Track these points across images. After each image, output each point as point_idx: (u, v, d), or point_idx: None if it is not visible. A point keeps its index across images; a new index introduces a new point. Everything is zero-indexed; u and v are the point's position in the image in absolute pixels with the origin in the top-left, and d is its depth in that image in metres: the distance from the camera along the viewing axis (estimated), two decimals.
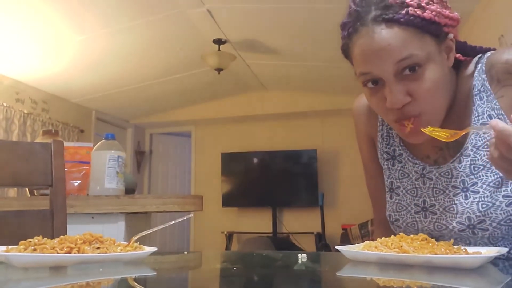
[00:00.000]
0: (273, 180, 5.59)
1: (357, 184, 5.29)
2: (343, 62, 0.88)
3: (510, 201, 0.77)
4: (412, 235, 0.72)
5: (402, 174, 0.91)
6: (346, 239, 4.75)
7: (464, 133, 0.68)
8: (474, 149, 0.81)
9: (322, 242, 4.95)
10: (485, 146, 0.80)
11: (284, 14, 3.37)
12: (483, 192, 0.79)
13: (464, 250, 0.68)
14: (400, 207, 0.90)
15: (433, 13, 0.74)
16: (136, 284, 0.63)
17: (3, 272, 0.67)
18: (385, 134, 0.94)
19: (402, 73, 0.74)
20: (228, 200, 5.70)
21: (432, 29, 0.74)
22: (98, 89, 4.77)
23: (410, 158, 0.90)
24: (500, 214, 0.78)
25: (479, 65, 0.82)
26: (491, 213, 0.78)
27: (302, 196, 5.49)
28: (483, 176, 0.80)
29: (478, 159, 0.81)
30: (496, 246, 0.80)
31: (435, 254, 0.65)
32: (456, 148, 0.84)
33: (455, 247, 0.68)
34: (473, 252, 0.69)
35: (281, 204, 5.61)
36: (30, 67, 4.00)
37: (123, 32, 3.54)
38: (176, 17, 3.39)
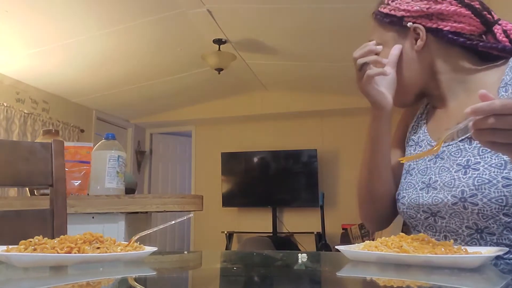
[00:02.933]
0: (273, 180, 5.59)
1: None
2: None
3: (508, 183, 0.79)
4: (412, 235, 0.72)
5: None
6: (346, 239, 4.75)
7: (444, 139, 0.72)
8: None
9: (322, 242, 4.95)
10: None
11: (284, 14, 3.37)
12: (483, 170, 0.82)
13: (464, 250, 0.68)
14: (409, 186, 0.94)
15: (389, 7, 0.95)
16: (136, 284, 0.63)
17: (3, 271, 0.67)
18: (415, 125, 1.04)
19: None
20: (228, 200, 5.70)
21: (388, 21, 0.96)
22: (99, 89, 4.78)
23: (429, 142, 0.97)
24: (494, 192, 0.79)
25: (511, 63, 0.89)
26: (485, 189, 0.80)
27: (302, 196, 5.49)
28: (488, 157, 0.83)
29: None
30: (486, 223, 0.82)
31: (435, 254, 0.65)
32: (465, 130, 0.86)
33: (455, 247, 0.68)
34: (473, 252, 0.69)
35: (281, 204, 5.61)
36: (30, 67, 4.01)
37: (124, 32, 3.54)
38: (176, 17, 3.39)
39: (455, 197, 0.84)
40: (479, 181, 0.81)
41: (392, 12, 0.95)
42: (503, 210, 0.80)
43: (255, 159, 5.75)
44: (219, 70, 3.97)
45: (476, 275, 0.62)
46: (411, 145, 1.02)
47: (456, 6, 0.90)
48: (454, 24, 0.91)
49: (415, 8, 0.92)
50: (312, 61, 4.37)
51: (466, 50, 0.93)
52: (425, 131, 1.00)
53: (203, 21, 3.49)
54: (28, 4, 3.03)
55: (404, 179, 0.97)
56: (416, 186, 0.92)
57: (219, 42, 3.87)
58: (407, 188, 0.94)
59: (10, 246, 0.70)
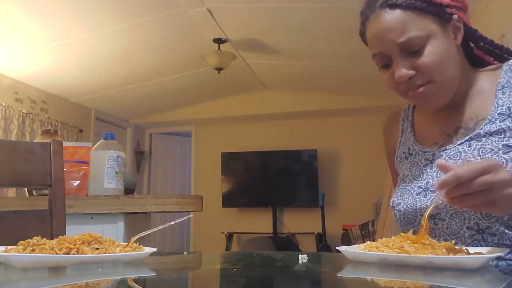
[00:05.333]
0: (273, 180, 5.58)
1: (357, 184, 5.30)
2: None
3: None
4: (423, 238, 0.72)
5: (412, 164, 0.96)
6: (347, 240, 4.75)
7: (427, 215, 0.71)
8: (487, 135, 0.84)
9: (323, 243, 4.95)
10: (498, 134, 0.83)
11: (284, 13, 3.37)
12: None
13: (465, 250, 0.68)
14: (404, 192, 0.93)
15: None
16: (135, 284, 0.63)
17: (2, 272, 0.67)
18: (403, 140, 1.02)
19: (407, 51, 0.83)
20: (228, 200, 5.70)
21: (433, 10, 0.82)
22: (98, 88, 4.77)
23: (420, 149, 0.95)
24: None
25: (507, 66, 0.88)
26: None
27: (302, 196, 5.49)
28: (488, 158, 0.82)
29: (488, 144, 0.84)
30: (488, 222, 0.81)
31: (436, 254, 0.64)
32: (465, 133, 0.88)
33: (457, 247, 0.68)
34: (474, 252, 0.68)
35: (282, 204, 5.60)
36: (29, 67, 4.00)
37: (123, 31, 3.54)
38: (176, 16, 3.39)
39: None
40: None
41: (437, 0, 0.82)
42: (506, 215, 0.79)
43: (255, 159, 5.74)
44: (219, 69, 3.97)
45: (477, 276, 0.61)
46: (402, 158, 1.00)
47: None
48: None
49: None
50: (312, 61, 4.37)
51: (464, 49, 0.92)
52: (414, 141, 0.98)
53: (203, 20, 3.49)
54: (27, 4, 3.02)
55: (398, 187, 0.96)
56: (412, 191, 0.91)
57: (219, 41, 3.87)
58: (402, 195, 0.93)
59: (9, 247, 0.70)
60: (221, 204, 5.68)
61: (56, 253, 0.66)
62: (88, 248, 0.69)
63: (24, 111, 4.27)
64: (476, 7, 2.97)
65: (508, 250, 0.71)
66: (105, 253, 0.69)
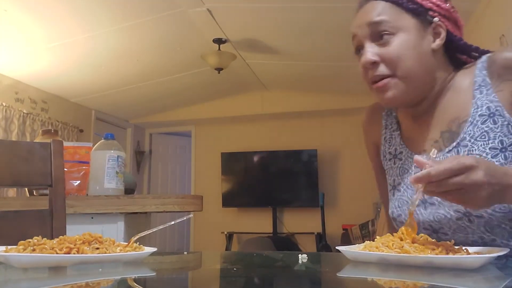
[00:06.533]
0: (273, 180, 5.58)
1: (357, 184, 5.30)
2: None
3: None
4: (412, 235, 0.72)
5: (403, 171, 0.94)
6: (346, 239, 4.74)
7: (411, 211, 0.73)
8: (472, 140, 0.84)
9: (323, 243, 4.95)
10: (482, 137, 0.83)
11: (284, 14, 3.37)
12: None
13: (465, 250, 0.68)
14: (401, 203, 0.92)
15: None
16: (135, 284, 0.63)
17: (2, 272, 0.67)
18: (388, 137, 1.01)
19: (377, 39, 0.86)
20: (228, 200, 5.70)
21: (413, 8, 0.86)
22: (98, 88, 4.77)
23: (409, 155, 0.94)
24: None
25: (480, 64, 0.88)
26: None
27: (302, 196, 5.49)
28: (465, 156, 0.82)
29: (475, 149, 0.83)
30: (493, 235, 0.81)
31: (436, 254, 0.64)
32: (451, 138, 0.88)
33: (456, 247, 0.68)
34: (474, 252, 0.68)
35: (282, 204, 5.60)
36: (29, 67, 4.00)
37: (123, 31, 3.54)
38: (176, 16, 3.38)
39: (459, 212, 0.82)
40: None
41: (419, 0, 0.86)
42: (508, 216, 0.79)
43: (255, 159, 5.74)
44: (219, 69, 3.97)
45: (477, 276, 0.61)
46: (389, 159, 0.99)
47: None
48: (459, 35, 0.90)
49: (444, 6, 0.88)
50: (312, 61, 4.37)
51: (448, 56, 0.92)
52: (401, 142, 0.97)
53: (203, 20, 3.49)
54: (26, 4, 3.02)
55: (393, 195, 0.95)
56: (409, 202, 0.90)
57: (219, 41, 3.87)
58: (400, 206, 0.92)
59: (9, 247, 0.70)
60: (221, 204, 5.68)
61: (57, 253, 0.66)
62: (88, 248, 0.69)
63: (24, 111, 4.27)
64: (476, 7, 2.97)
65: (508, 250, 0.71)
66: (105, 253, 0.69)
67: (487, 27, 2.88)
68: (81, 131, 5.11)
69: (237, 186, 5.72)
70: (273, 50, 4.12)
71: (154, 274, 0.73)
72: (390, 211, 0.95)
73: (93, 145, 1.73)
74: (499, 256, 0.66)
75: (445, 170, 0.66)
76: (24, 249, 0.68)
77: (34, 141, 1.56)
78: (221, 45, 3.91)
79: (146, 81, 4.75)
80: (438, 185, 0.67)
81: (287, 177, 5.55)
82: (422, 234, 0.73)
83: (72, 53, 3.85)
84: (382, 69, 0.85)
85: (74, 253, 0.67)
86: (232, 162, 5.76)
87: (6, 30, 3.34)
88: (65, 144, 1.37)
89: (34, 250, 0.67)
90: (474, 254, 0.68)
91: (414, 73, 0.85)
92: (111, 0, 3.10)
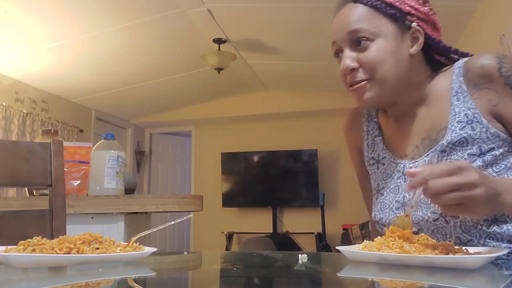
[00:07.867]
0: (273, 180, 5.58)
1: (357, 184, 5.28)
2: None
3: None
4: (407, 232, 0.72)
5: (386, 175, 0.96)
6: (347, 239, 4.74)
7: (408, 214, 0.74)
8: (450, 145, 0.85)
9: (323, 242, 4.95)
10: (461, 143, 0.84)
11: (284, 13, 3.37)
12: None
13: (465, 250, 0.68)
14: (384, 206, 0.94)
15: None
16: (135, 284, 0.63)
17: (2, 272, 0.67)
18: (370, 142, 1.02)
19: (355, 45, 0.87)
20: (228, 200, 5.70)
21: (391, 12, 0.85)
22: (98, 88, 4.77)
23: (392, 160, 0.95)
24: None
25: (457, 69, 0.89)
26: None
27: (302, 196, 5.49)
28: (455, 161, 0.83)
29: (453, 155, 0.85)
30: (470, 235, 0.82)
31: (436, 254, 0.64)
32: (430, 145, 0.89)
33: (456, 247, 0.68)
34: (473, 252, 0.68)
35: (282, 204, 5.60)
36: (29, 67, 4.00)
37: (123, 31, 3.54)
38: (176, 16, 3.39)
39: (435, 213, 0.83)
40: None
41: (397, 4, 0.86)
42: (482, 218, 0.80)
43: (255, 159, 5.74)
44: (219, 69, 3.97)
45: (477, 276, 0.61)
46: (373, 164, 1.00)
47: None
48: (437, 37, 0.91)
49: (422, 9, 0.87)
50: (312, 61, 4.37)
51: (426, 59, 0.92)
52: (384, 148, 0.98)
53: (203, 20, 3.49)
54: (27, 4, 3.02)
55: (376, 199, 0.97)
56: (391, 206, 0.91)
57: (219, 41, 3.87)
58: (382, 209, 0.94)
59: (9, 247, 0.70)
60: (221, 204, 5.68)
61: (57, 253, 0.66)
62: (88, 248, 0.69)
63: (24, 111, 4.27)
64: (476, 7, 2.97)
65: (507, 250, 0.71)
66: (105, 253, 0.69)
67: (488, 27, 2.88)
68: (81, 131, 5.11)
69: (237, 186, 5.72)
70: (273, 50, 4.11)
71: (154, 274, 0.73)
72: (373, 214, 0.97)
73: (93, 145, 1.73)
74: (499, 256, 0.66)
75: (439, 170, 0.66)
76: (24, 249, 0.68)
77: (34, 141, 1.56)
78: (221, 45, 3.91)
79: (146, 81, 4.75)
80: (434, 186, 0.66)
81: (287, 177, 5.55)
82: (423, 234, 0.73)
83: (72, 53, 3.85)
84: (360, 75, 0.87)
85: (74, 253, 0.67)
86: (232, 162, 5.76)
87: (6, 30, 3.34)
88: (65, 144, 1.37)
89: (34, 250, 0.67)
90: (474, 254, 0.68)
91: (390, 77, 0.86)
92: (111, 0, 3.10)
